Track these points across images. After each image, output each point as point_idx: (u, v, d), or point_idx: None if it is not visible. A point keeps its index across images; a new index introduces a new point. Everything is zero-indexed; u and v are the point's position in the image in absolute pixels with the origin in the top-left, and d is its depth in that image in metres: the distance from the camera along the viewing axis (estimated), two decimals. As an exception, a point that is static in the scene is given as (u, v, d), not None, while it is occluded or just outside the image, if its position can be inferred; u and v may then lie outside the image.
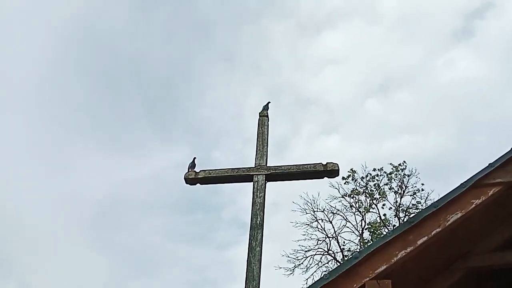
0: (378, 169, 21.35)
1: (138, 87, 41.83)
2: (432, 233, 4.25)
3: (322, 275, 4.12)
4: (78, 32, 39.14)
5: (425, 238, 4.24)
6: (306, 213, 20.73)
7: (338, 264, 19.02)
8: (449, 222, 4.30)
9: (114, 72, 41.88)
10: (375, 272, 4.12)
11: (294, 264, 19.90)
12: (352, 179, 21.31)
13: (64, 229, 35.10)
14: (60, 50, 39.16)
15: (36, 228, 34.43)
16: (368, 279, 4.11)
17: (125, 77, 42.44)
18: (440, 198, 4.41)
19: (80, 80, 39.44)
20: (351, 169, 21.32)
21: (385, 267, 4.14)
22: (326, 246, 20.52)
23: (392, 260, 4.16)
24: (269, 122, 7.05)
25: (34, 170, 37.37)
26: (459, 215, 4.32)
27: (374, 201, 21.21)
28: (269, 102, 7.16)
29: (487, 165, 4.48)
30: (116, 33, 41.36)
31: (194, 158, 6.59)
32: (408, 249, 4.20)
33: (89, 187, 39.67)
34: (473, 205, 4.35)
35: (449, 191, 4.41)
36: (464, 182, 4.41)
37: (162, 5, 42.94)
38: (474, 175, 4.43)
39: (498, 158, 4.49)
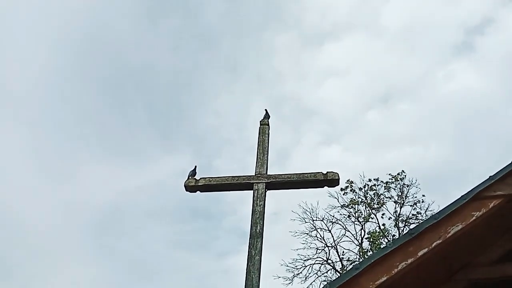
0: (375, 179, 21.39)
1: (143, 96, 41.96)
2: (433, 245, 4.25)
3: (322, 287, 4.11)
4: (84, 41, 39.35)
5: (425, 250, 4.23)
6: (305, 222, 20.74)
7: (337, 273, 18.97)
8: (449, 234, 4.29)
9: (120, 81, 42.10)
10: (376, 283, 4.11)
11: (293, 273, 19.84)
12: (351, 190, 21.32)
13: (67, 236, 35.03)
14: (67, 59, 39.41)
15: (39, 235, 34.37)
16: (368, 290, 4.09)
17: (131, 86, 42.63)
18: (441, 210, 4.41)
19: (86, 88, 39.63)
20: (349, 180, 21.35)
21: (385, 278, 4.13)
22: (325, 255, 20.49)
23: (393, 272, 4.15)
24: (269, 131, 7.03)
25: (38, 177, 37.41)
26: (460, 227, 4.32)
27: (373, 211, 21.20)
28: (266, 110, 7.16)
29: (488, 177, 4.48)
30: (123, 43, 41.59)
31: (195, 166, 6.60)
32: (409, 261, 4.19)
33: (92, 194, 39.68)
34: (474, 218, 4.35)
35: (449, 203, 4.41)
36: (465, 194, 4.41)
37: (168, 16, 43.19)
38: (474, 188, 4.43)
39: (499, 171, 4.50)
